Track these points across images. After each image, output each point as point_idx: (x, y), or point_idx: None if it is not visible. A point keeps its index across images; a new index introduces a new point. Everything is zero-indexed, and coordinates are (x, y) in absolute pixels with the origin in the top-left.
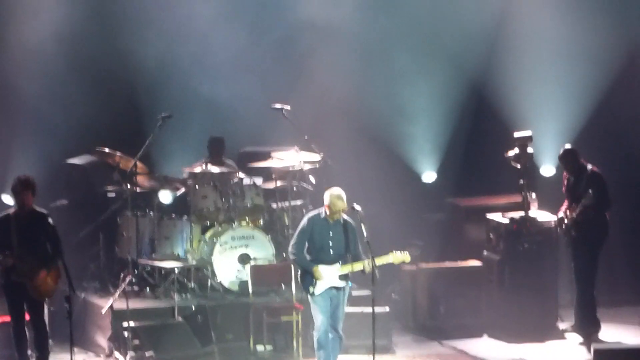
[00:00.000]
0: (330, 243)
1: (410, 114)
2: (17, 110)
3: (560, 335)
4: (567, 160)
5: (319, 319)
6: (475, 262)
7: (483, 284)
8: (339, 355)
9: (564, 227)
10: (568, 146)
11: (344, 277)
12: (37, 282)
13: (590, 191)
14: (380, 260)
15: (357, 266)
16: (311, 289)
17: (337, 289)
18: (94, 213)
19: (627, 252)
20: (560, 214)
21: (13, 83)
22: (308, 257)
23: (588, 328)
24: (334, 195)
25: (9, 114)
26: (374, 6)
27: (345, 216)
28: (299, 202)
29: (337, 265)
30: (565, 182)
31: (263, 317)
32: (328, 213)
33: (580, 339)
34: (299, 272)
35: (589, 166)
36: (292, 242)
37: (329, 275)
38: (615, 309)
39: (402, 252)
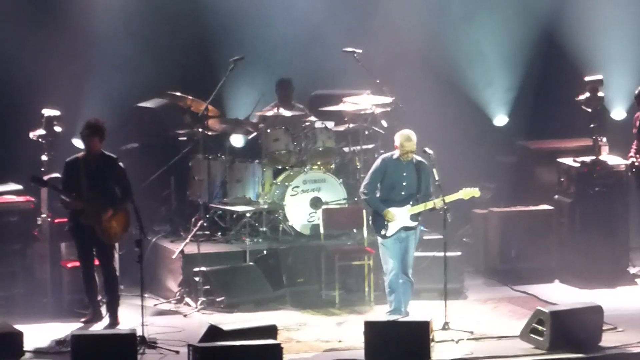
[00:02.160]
0: (403, 183)
1: (481, 57)
2: (89, 53)
3: (631, 280)
4: None
5: (390, 262)
6: (546, 206)
7: (554, 228)
8: (409, 302)
9: (634, 169)
10: None
11: (415, 218)
12: (105, 225)
13: None
14: (450, 198)
15: (429, 205)
16: (383, 232)
17: (408, 229)
18: (165, 156)
19: None
20: (631, 156)
21: (86, 25)
22: (378, 197)
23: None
24: (403, 136)
25: (81, 56)
26: None
27: (418, 157)
28: (370, 146)
29: (407, 207)
30: (638, 123)
31: (334, 260)
32: (400, 154)
33: None
34: (370, 215)
35: None
36: (365, 182)
37: (400, 216)
38: None
39: (472, 188)
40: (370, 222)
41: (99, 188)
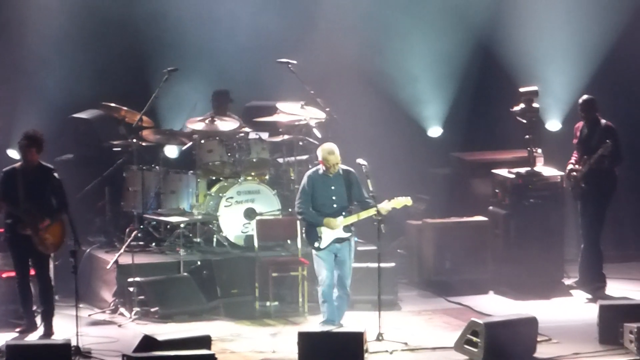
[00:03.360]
0: (333, 197)
1: (416, 69)
2: (22, 66)
3: (566, 291)
4: (589, 108)
5: (323, 273)
6: (481, 217)
7: (489, 239)
8: (344, 315)
9: (572, 179)
10: (587, 96)
11: (347, 229)
12: (42, 235)
13: (608, 141)
14: (383, 207)
15: (362, 215)
16: (316, 244)
17: (342, 241)
18: (99, 167)
19: (634, 207)
20: (570, 166)
21: (18, 38)
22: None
23: (593, 283)
24: (326, 150)
25: (14, 69)
26: None
27: (344, 166)
28: (304, 157)
29: (340, 218)
30: (578, 133)
31: (269, 271)
32: (325, 169)
33: (586, 295)
34: (304, 228)
35: (603, 120)
36: (297, 201)
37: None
38: (622, 264)
39: (404, 197)
40: (304, 235)
41: (36, 198)
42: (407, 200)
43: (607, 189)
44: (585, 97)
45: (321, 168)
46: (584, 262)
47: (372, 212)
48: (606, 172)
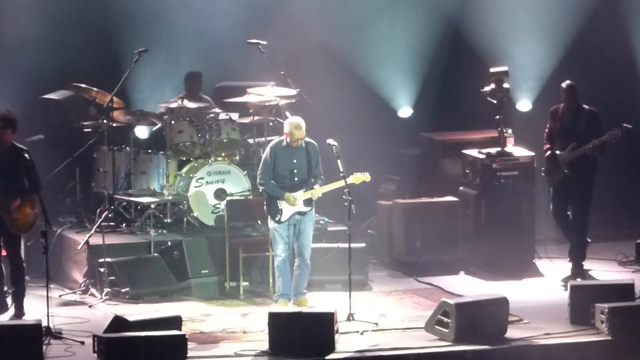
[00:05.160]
0: (295, 170)
1: (386, 49)
2: None
3: (537, 272)
4: (574, 93)
5: (280, 247)
6: (451, 198)
7: (460, 220)
8: (306, 284)
9: (552, 165)
10: (570, 81)
11: (308, 203)
12: (14, 216)
13: (616, 129)
14: (340, 183)
15: (320, 191)
16: (277, 217)
17: (302, 214)
18: (70, 148)
19: (609, 188)
20: (548, 152)
21: None
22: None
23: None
24: (293, 124)
25: None
26: None
27: (307, 139)
28: (275, 138)
29: (300, 192)
30: (558, 119)
31: (239, 252)
32: (289, 141)
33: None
34: (265, 200)
35: (585, 106)
36: (259, 172)
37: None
38: (594, 244)
39: (362, 173)
40: (265, 208)
41: (8, 179)
42: (364, 177)
43: (593, 173)
44: (568, 82)
45: (285, 140)
46: (577, 250)
47: (327, 188)
48: (590, 156)
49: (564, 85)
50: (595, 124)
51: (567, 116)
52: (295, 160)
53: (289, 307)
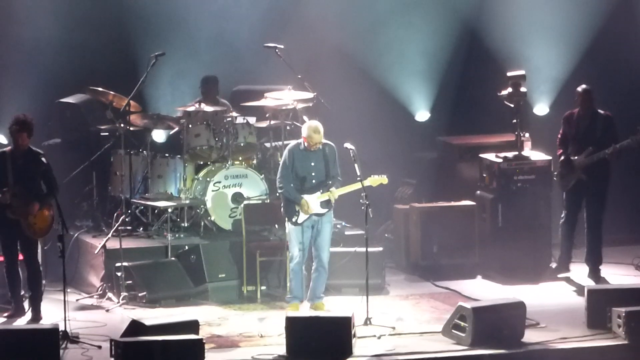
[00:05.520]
0: (312, 173)
1: (403, 52)
2: (10, 49)
3: (554, 276)
4: (591, 98)
5: (295, 250)
6: (468, 202)
7: (476, 224)
8: (323, 289)
9: (568, 170)
10: (586, 86)
11: (325, 205)
12: (31, 220)
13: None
14: (357, 185)
15: (338, 192)
16: (294, 218)
17: (319, 216)
18: (87, 152)
19: (625, 192)
20: (563, 157)
21: (4, 22)
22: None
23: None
24: (311, 128)
25: (2, 52)
26: None
27: (324, 140)
28: (292, 141)
29: (317, 194)
30: (574, 124)
31: (256, 256)
32: (307, 145)
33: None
34: (282, 202)
35: (600, 110)
36: (278, 175)
37: (311, 203)
38: (612, 248)
39: (379, 175)
40: (282, 209)
41: (26, 183)
42: (382, 179)
43: (608, 177)
44: (584, 86)
45: (302, 143)
46: (592, 254)
47: (344, 189)
48: (606, 161)
49: (579, 89)
50: (611, 129)
51: (583, 121)
52: (313, 163)
53: (301, 310)
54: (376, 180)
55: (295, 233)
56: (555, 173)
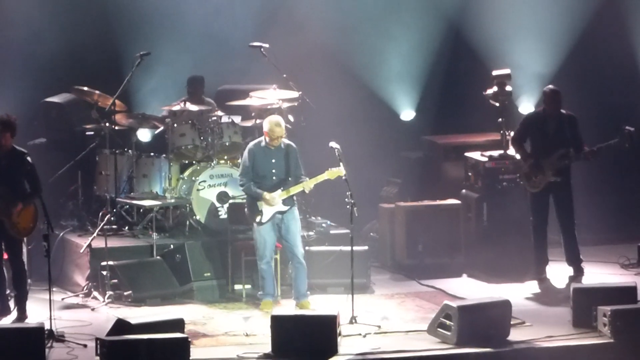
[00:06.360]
0: (273, 170)
1: (388, 52)
2: None
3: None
4: (560, 100)
5: (262, 249)
6: (453, 201)
7: (462, 223)
8: (306, 286)
9: (538, 174)
10: (554, 87)
11: (288, 201)
12: (14, 220)
13: (627, 128)
14: (316, 179)
15: (298, 188)
16: (258, 218)
17: (282, 213)
18: (72, 151)
19: (610, 192)
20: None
21: None
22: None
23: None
24: (273, 122)
25: None
26: None
27: (286, 140)
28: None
29: (279, 191)
30: (540, 126)
31: (241, 255)
32: (268, 140)
33: (563, 278)
34: (246, 202)
35: (562, 110)
36: (239, 173)
37: (273, 200)
38: (597, 247)
39: (337, 167)
40: (246, 209)
41: (9, 183)
42: (339, 171)
43: (570, 174)
44: (552, 87)
45: (263, 140)
46: (573, 253)
47: (307, 185)
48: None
49: (548, 90)
50: (577, 129)
51: (551, 122)
52: (274, 160)
53: (274, 307)
54: (334, 172)
55: (261, 233)
56: (519, 175)
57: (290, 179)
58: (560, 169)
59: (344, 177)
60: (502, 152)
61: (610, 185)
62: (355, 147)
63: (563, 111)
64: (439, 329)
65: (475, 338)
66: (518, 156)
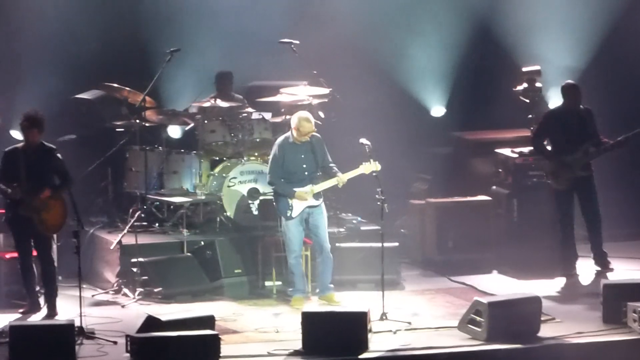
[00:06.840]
0: (303, 165)
1: (417, 48)
2: (24, 45)
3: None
4: (580, 95)
5: (292, 244)
6: (483, 197)
7: (492, 219)
8: (330, 278)
9: (565, 170)
10: (572, 82)
11: (318, 196)
12: (43, 216)
13: None
14: (351, 174)
15: (331, 183)
16: (288, 213)
17: (312, 208)
18: (102, 148)
19: (635, 187)
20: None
21: (18, 19)
22: (283, 181)
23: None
24: (302, 117)
25: (16, 49)
26: None
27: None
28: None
29: (309, 186)
30: (562, 122)
31: (271, 251)
32: (296, 135)
33: (591, 274)
34: (275, 198)
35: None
36: (268, 170)
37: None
38: (624, 243)
39: (371, 162)
40: (275, 204)
41: (38, 178)
42: (374, 165)
43: (593, 174)
44: (572, 82)
45: (291, 136)
46: (599, 249)
47: (340, 179)
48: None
49: (567, 85)
50: (594, 122)
51: (572, 117)
52: (303, 155)
53: (305, 303)
54: (369, 167)
55: (290, 227)
56: (545, 173)
57: (319, 173)
58: (587, 163)
59: (374, 174)
60: (532, 148)
61: (635, 180)
62: (385, 144)
63: (581, 106)
64: (469, 325)
65: (505, 334)
66: (538, 153)
